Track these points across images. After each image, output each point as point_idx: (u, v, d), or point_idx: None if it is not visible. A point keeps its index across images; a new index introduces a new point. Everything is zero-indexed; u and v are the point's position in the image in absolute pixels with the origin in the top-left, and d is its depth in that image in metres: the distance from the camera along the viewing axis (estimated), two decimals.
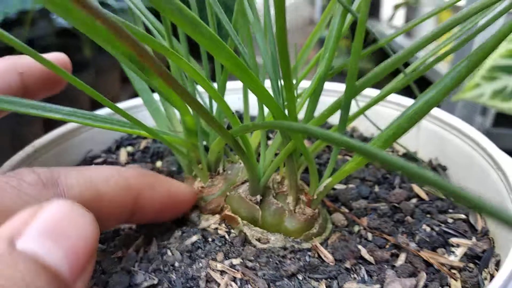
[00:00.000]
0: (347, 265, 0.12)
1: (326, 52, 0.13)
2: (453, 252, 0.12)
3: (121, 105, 0.19)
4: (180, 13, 0.08)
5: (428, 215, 0.14)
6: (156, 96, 0.16)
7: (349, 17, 0.13)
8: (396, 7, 0.87)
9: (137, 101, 0.19)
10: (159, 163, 0.17)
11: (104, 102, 0.11)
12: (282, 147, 0.13)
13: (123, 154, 0.18)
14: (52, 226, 0.09)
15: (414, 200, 0.15)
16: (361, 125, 0.20)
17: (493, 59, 0.51)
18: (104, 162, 0.17)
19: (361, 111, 0.13)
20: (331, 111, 0.12)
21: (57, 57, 0.19)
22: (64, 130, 0.17)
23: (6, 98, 0.12)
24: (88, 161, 0.17)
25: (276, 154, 0.13)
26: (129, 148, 0.18)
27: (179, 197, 0.13)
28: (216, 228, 0.13)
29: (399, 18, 1.15)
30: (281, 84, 0.13)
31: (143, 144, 0.18)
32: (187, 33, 0.08)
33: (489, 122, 0.66)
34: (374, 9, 1.29)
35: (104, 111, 0.17)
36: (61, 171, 0.12)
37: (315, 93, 0.13)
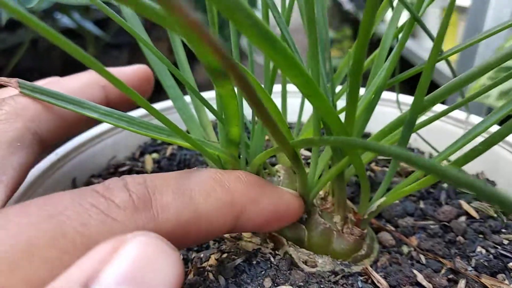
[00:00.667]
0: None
1: (383, 61, 0.12)
2: None
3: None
4: (257, 28, 0.07)
5: (481, 236, 0.13)
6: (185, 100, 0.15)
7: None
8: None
9: (163, 104, 0.18)
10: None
11: (149, 108, 0.10)
12: (332, 162, 0.12)
13: (148, 162, 0.17)
14: (132, 270, 0.08)
15: (463, 218, 0.14)
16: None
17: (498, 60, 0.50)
18: (130, 171, 0.16)
19: (420, 126, 0.12)
20: (393, 128, 0.11)
21: (139, 70, 0.17)
22: (87, 137, 0.16)
23: (43, 89, 0.11)
24: (112, 169, 0.16)
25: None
26: (154, 155, 0.17)
27: (287, 211, 0.12)
28: (259, 249, 0.12)
29: (403, 18, 1.14)
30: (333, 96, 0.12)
31: (168, 150, 0.17)
32: (262, 50, 0.07)
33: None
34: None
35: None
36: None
37: (371, 105, 0.12)
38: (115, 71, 0.16)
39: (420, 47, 0.96)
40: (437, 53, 0.10)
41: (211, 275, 0.11)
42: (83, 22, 1.08)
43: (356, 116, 0.13)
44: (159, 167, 0.16)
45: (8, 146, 0.12)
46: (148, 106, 0.11)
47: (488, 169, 0.16)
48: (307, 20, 0.10)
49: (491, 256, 0.12)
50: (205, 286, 0.11)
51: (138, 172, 0.16)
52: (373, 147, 0.08)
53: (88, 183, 0.15)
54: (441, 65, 0.74)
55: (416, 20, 0.11)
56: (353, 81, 0.09)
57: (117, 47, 1.29)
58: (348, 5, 1.92)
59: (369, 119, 0.12)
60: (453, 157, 0.11)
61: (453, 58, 0.72)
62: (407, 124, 0.11)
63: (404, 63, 1.10)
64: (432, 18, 0.93)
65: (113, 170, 0.16)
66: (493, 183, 0.16)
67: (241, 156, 0.13)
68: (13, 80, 0.13)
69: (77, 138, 0.16)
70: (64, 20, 1.05)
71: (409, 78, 0.13)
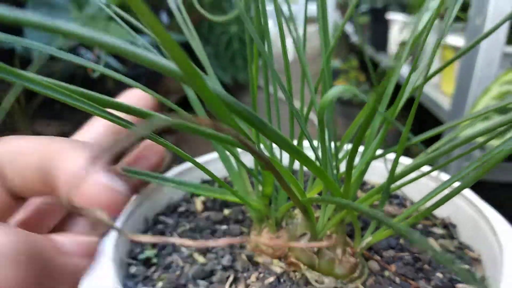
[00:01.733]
0: None
1: (374, 137, 0.18)
2: None
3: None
4: (279, 139, 0.12)
5: (441, 265, 0.18)
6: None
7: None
8: (401, 45, 0.92)
9: (211, 156, 0.24)
10: (226, 211, 0.22)
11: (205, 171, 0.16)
12: (335, 212, 0.17)
13: (198, 203, 0.22)
14: None
15: (432, 242, 0.19)
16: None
17: (486, 100, 0.57)
18: (186, 211, 0.21)
19: (395, 189, 0.17)
20: (376, 192, 0.16)
21: (134, 96, 0.21)
22: (152, 186, 0.21)
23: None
24: (172, 208, 0.22)
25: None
26: (202, 198, 0.23)
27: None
28: (285, 271, 0.17)
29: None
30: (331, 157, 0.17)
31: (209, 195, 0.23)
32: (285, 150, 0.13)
33: None
34: (382, 44, 1.35)
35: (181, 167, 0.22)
36: None
37: (362, 173, 0.17)
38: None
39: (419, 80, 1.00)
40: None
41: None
42: (104, 57, 1.16)
43: (351, 181, 0.18)
44: (206, 208, 0.22)
45: None
46: (207, 171, 0.16)
47: (451, 214, 0.21)
48: (319, 127, 0.15)
49: (445, 279, 0.17)
50: None
51: (191, 212, 0.22)
52: (355, 208, 0.14)
53: (156, 220, 0.21)
54: (441, 99, 0.80)
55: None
56: (349, 168, 0.14)
57: (134, 78, 1.35)
58: (354, 37, 1.99)
59: (361, 182, 0.18)
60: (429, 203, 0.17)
61: (449, 93, 0.78)
62: (384, 191, 0.16)
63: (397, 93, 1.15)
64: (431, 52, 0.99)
65: (173, 209, 0.22)
66: (453, 225, 0.21)
67: (271, 205, 0.19)
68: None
69: (149, 186, 0.21)
70: (88, 56, 1.12)
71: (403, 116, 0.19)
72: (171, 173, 0.22)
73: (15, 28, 0.88)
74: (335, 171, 0.17)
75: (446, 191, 0.16)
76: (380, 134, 0.18)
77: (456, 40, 0.78)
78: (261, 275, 0.17)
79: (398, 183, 0.17)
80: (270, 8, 0.18)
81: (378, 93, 0.11)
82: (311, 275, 0.17)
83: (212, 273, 0.17)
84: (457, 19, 1.00)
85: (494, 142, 0.20)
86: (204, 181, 0.24)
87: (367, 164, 0.17)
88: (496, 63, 0.67)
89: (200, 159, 0.23)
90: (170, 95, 1.70)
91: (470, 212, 0.20)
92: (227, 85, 1.88)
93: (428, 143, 0.21)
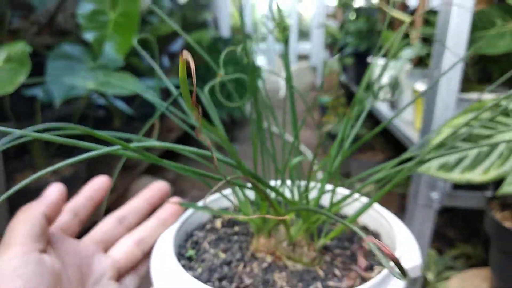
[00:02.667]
0: (330, 276, 0.28)
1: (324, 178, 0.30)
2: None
3: (213, 196, 0.35)
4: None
5: (368, 257, 0.30)
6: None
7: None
8: (380, 88, 1.06)
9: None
10: (236, 228, 0.34)
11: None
12: (301, 224, 0.29)
13: (218, 223, 0.34)
14: None
15: (365, 244, 0.31)
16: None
17: (437, 140, 0.71)
18: (211, 228, 0.33)
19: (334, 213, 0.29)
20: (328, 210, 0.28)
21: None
22: (189, 214, 0.33)
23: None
24: (202, 226, 0.34)
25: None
26: (220, 219, 0.35)
27: None
28: (273, 261, 0.29)
29: (386, 91, 1.35)
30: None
31: (226, 216, 0.35)
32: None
33: (449, 185, 0.83)
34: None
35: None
36: None
37: (317, 200, 0.29)
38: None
39: (399, 119, 1.15)
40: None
41: (255, 269, 0.28)
42: (113, 100, 1.30)
43: (311, 204, 0.30)
44: (223, 226, 0.34)
45: None
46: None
47: (370, 223, 0.34)
48: (290, 176, 0.28)
49: (368, 264, 0.29)
50: (261, 269, 0.28)
51: (214, 229, 0.34)
52: (313, 210, 0.26)
53: (192, 233, 0.33)
54: (413, 135, 0.93)
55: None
56: (305, 198, 0.27)
57: (139, 119, 1.49)
58: (342, 77, 2.15)
59: (317, 205, 0.30)
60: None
61: (418, 127, 0.92)
62: (329, 209, 0.28)
63: (385, 131, 1.29)
64: (407, 95, 1.14)
65: (202, 227, 0.34)
66: (376, 233, 0.33)
67: (265, 222, 0.30)
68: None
69: (187, 212, 0.33)
70: (100, 100, 1.26)
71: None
72: (200, 203, 0.34)
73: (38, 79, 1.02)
74: (304, 201, 0.29)
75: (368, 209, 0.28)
76: (325, 174, 0.30)
77: (422, 86, 0.92)
78: (259, 263, 0.29)
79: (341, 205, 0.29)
80: (264, 46, 0.30)
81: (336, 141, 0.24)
82: (289, 263, 0.29)
83: (230, 262, 0.29)
84: (426, 66, 1.15)
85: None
86: (222, 208, 0.36)
87: (321, 195, 0.30)
88: (452, 107, 0.81)
89: (215, 195, 0.35)
90: (172, 132, 1.83)
91: (375, 215, 0.32)
92: (224, 121, 2.01)
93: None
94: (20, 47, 0.87)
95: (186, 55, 0.15)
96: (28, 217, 0.26)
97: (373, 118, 1.67)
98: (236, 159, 0.22)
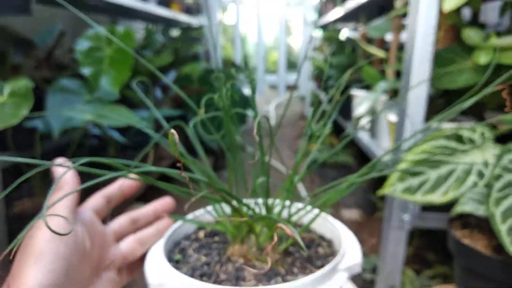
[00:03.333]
0: (289, 273, 0.35)
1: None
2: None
3: (198, 212, 0.42)
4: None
5: (321, 258, 0.37)
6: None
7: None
8: (358, 118, 1.15)
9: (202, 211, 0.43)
10: (216, 238, 0.41)
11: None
12: (267, 232, 0.36)
13: (201, 234, 0.41)
14: None
15: (320, 249, 0.38)
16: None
17: (402, 166, 0.78)
18: (196, 238, 0.40)
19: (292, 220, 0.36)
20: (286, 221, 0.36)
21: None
22: (176, 226, 0.40)
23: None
24: (187, 237, 0.40)
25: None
26: (203, 231, 0.42)
27: None
28: (245, 262, 0.36)
29: (366, 119, 1.44)
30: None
31: (208, 229, 0.42)
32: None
33: (418, 207, 0.90)
34: (347, 114, 1.59)
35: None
36: None
37: (279, 213, 0.36)
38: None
39: (378, 146, 1.24)
40: None
41: (229, 267, 0.35)
42: (108, 130, 1.38)
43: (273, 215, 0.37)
44: (205, 236, 0.41)
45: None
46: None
47: (326, 232, 0.41)
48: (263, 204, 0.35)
49: (320, 264, 0.36)
50: (234, 269, 0.34)
51: (198, 239, 0.40)
52: (274, 219, 0.33)
53: (179, 242, 0.40)
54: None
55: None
56: (269, 211, 0.34)
57: (132, 147, 1.57)
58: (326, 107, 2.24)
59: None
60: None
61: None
62: (287, 219, 0.35)
63: (363, 156, 1.39)
64: (384, 125, 1.22)
65: (188, 237, 0.40)
66: (329, 241, 0.40)
67: (238, 231, 0.37)
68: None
69: (175, 225, 0.40)
70: (95, 130, 1.34)
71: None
72: (189, 216, 0.41)
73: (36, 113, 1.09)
74: (269, 214, 0.36)
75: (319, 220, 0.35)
76: (286, 193, 0.38)
77: (394, 117, 1.01)
78: (233, 264, 0.36)
79: (296, 218, 0.36)
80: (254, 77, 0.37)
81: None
82: (257, 263, 0.36)
83: (209, 263, 0.36)
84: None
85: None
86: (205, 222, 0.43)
87: (282, 209, 0.37)
88: (418, 135, 0.89)
89: (201, 210, 0.42)
90: (163, 160, 1.90)
91: (330, 226, 0.39)
92: (214, 151, 2.08)
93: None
94: (23, 83, 0.95)
95: (173, 133, 0.22)
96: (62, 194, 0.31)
97: (355, 146, 1.75)
98: (209, 177, 0.29)
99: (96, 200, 0.36)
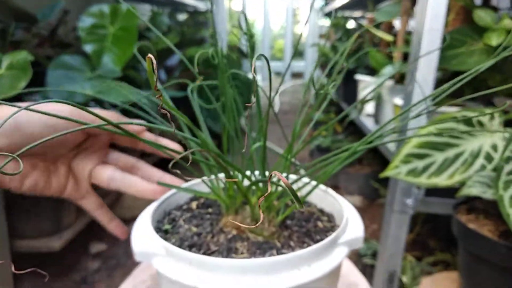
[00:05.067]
0: (285, 247, 0.33)
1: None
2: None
3: (193, 182, 0.40)
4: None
5: (320, 233, 0.35)
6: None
7: None
8: (362, 102, 1.12)
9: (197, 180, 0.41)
10: (209, 209, 0.39)
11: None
12: (263, 203, 0.34)
13: (193, 205, 0.39)
14: None
15: (319, 224, 0.36)
16: None
17: (407, 148, 0.76)
18: (188, 208, 0.38)
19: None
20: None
21: None
22: (171, 193, 0.38)
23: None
24: (179, 207, 0.38)
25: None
26: (196, 202, 0.40)
27: None
28: (238, 234, 0.34)
29: (370, 106, 1.41)
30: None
31: (202, 199, 0.40)
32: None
33: (422, 192, 0.88)
34: (352, 100, 1.56)
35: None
36: None
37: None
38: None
39: (382, 131, 1.20)
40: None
41: (221, 238, 0.33)
42: (110, 108, 1.36)
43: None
44: (198, 207, 0.39)
45: None
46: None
47: (327, 206, 0.39)
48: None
49: (319, 238, 0.34)
50: (226, 239, 0.33)
51: (190, 209, 0.38)
52: (265, 181, 0.31)
53: (169, 212, 0.38)
54: (393, 147, 0.98)
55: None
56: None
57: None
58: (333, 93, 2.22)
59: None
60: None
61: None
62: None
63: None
64: (389, 110, 1.20)
65: (179, 208, 0.38)
66: (331, 214, 0.38)
67: (232, 200, 0.35)
68: None
69: (167, 194, 0.38)
70: (97, 107, 1.32)
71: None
72: (184, 185, 0.39)
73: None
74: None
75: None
76: (285, 162, 0.36)
77: (400, 101, 0.98)
78: (226, 235, 0.34)
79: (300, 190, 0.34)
80: (259, 64, 0.35)
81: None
82: (251, 236, 0.34)
83: (200, 234, 0.34)
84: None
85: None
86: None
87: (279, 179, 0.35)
88: (423, 118, 0.87)
89: (197, 180, 0.40)
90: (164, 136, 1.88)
91: (331, 200, 0.37)
92: (217, 133, 2.07)
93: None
94: (22, 56, 0.93)
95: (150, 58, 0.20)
96: None
97: (360, 132, 1.73)
98: (201, 139, 0.27)
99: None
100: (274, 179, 0.36)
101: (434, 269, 0.97)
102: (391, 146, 1.05)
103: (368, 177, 1.57)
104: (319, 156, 1.95)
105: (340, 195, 0.38)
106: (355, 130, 1.93)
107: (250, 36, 0.37)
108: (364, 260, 1.09)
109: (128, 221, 0.46)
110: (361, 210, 1.48)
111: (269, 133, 0.36)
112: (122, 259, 1.22)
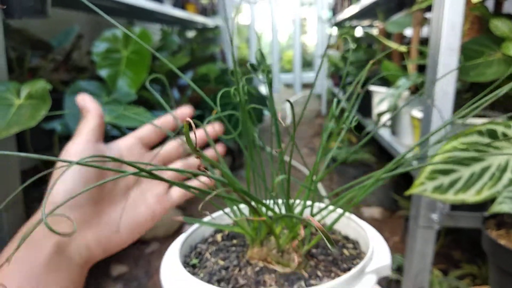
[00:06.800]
0: (313, 277, 0.33)
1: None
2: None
3: (219, 213, 0.40)
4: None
5: (347, 260, 0.35)
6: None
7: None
8: (379, 115, 1.12)
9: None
10: (234, 241, 0.39)
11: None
12: (288, 234, 0.34)
13: (218, 237, 0.39)
14: None
15: (345, 251, 0.36)
16: None
17: (433, 164, 0.75)
18: (213, 241, 0.38)
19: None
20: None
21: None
22: (193, 229, 0.39)
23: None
24: (204, 240, 0.39)
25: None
26: (220, 234, 0.40)
27: None
28: (265, 266, 0.34)
29: (386, 118, 1.40)
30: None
31: (226, 231, 0.40)
32: None
33: (448, 206, 0.87)
34: (367, 111, 1.55)
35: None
36: None
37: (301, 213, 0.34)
38: None
39: (400, 144, 1.20)
40: None
41: (249, 271, 0.33)
42: (126, 131, 1.37)
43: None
44: (223, 239, 0.39)
45: None
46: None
47: (351, 233, 0.38)
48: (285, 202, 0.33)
49: (346, 267, 0.34)
50: (255, 274, 0.32)
51: (215, 242, 0.38)
52: (289, 216, 0.31)
53: (196, 246, 0.38)
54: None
55: None
56: (289, 210, 0.32)
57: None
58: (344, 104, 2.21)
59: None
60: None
61: (416, 151, 0.97)
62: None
63: (384, 153, 1.35)
64: (406, 121, 1.19)
65: (204, 241, 0.39)
66: (355, 242, 0.38)
67: (257, 233, 0.35)
68: None
69: (190, 229, 0.38)
70: (114, 131, 1.34)
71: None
72: (206, 219, 0.39)
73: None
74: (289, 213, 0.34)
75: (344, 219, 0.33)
76: (307, 191, 0.35)
77: (419, 113, 0.97)
78: (253, 268, 0.34)
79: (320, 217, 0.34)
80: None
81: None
82: (278, 267, 0.34)
83: (228, 267, 0.34)
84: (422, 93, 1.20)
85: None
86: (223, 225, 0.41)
87: (304, 208, 0.35)
88: (443, 132, 0.86)
89: (218, 212, 0.40)
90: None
91: (355, 226, 0.37)
92: (231, 150, 2.07)
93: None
94: (41, 85, 0.95)
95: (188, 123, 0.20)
96: (90, 118, 0.43)
97: (375, 144, 1.71)
98: (228, 178, 0.27)
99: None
100: (297, 209, 0.36)
101: (461, 282, 0.95)
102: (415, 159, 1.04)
103: (387, 188, 1.55)
104: (337, 168, 1.94)
105: (359, 209, 0.37)
106: (370, 140, 1.92)
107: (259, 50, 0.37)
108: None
109: (148, 242, 0.46)
110: (380, 222, 1.47)
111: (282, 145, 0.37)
112: (143, 281, 1.22)
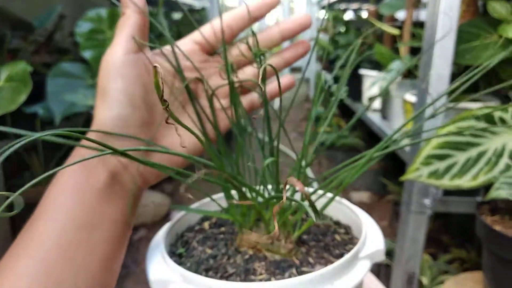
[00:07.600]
0: (304, 264, 0.31)
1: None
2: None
3: (206, 200, 0.39)
4: None
5: (339, 247, 0.33)
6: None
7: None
8: (370, 99, 1.10)
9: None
10: (222, 228, 0.37)
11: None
12: (279, 219, 0.32)
13: (206, 225, 0.37)
14: None
15: (337, 237, 0.34)
16: None
17: (427, 150, 0.74)
18: (200, 229, 0.36)
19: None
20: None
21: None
22: (182, 214, 0.37)
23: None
24: (191, 228, 0.37)
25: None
26: (208, 222, 0.38)
27: None
28: (254, 253, 0.32)
29: (377, 102, 1.39)
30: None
31: (214, 219, 0.38)
32: None
33: (441, 192, 0.86)
34: (356, 96, 1.54)
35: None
36: None
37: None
38: None
39: (390, 128, 1.19)
40: None
41: (238, 259, 0.31)
42: None
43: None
44: (210, 227, 0.37)
45: None
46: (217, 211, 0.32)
47: (343, 218, 0.37)
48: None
49: (339, 252, 0.32)
50: (243, 259, 0.31)
51: (202, 230, 0.37)
52: (279, 197, 0.29)
53: (182, 234, 0.36)
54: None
55: None
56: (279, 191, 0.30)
57: None
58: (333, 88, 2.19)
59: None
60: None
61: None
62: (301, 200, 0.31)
63: (374, 138, 1.34)
64: (397, 105, 1.18)
65: (191, 229, 0.37)
66: (348, 226, 0.36)
67: (246, 219, 0.34)
68: None
69: (177, 216, 0.36)
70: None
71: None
72: (193, 206, 0.37)
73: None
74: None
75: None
76: (297, 175, 0.34)
77: (411, 97, 0.96)
78: (242, 255, 0.32)
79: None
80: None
81: None
82: (268, 254, 0.32)
83: (216, 256, 0.32)
84: (414, 77, 1.19)
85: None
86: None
87: (294, 192, 0.33)
88: (439, 116, 0.84)
89: (207, 199, 0.39)
90: None
91: (347, 211, 0.36)
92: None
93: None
94: (21, 67, 0.91)
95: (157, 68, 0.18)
96: (129, 21, 0.32)
97: (364, 128, 1.70)
98: (215, 161, 0.26)
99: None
100: (288, 193, 0.35)
101: (450, 267, 0.95)
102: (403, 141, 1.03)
103: (376, 173, 1.55)
104: (325, 152, 1.93)
105: (347, 194, 0.36)
106: (359, 124, 1.91)
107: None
108: None
109: (136, 228, 0.44)
110: (369, 206, 1.47)
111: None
112: (132, 268, 1.21)
